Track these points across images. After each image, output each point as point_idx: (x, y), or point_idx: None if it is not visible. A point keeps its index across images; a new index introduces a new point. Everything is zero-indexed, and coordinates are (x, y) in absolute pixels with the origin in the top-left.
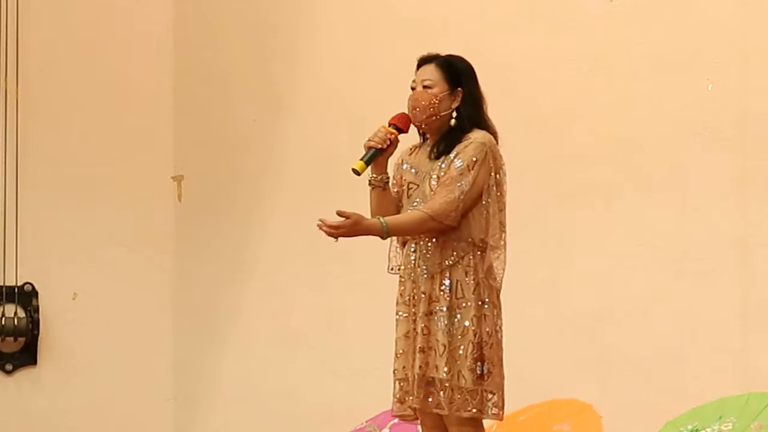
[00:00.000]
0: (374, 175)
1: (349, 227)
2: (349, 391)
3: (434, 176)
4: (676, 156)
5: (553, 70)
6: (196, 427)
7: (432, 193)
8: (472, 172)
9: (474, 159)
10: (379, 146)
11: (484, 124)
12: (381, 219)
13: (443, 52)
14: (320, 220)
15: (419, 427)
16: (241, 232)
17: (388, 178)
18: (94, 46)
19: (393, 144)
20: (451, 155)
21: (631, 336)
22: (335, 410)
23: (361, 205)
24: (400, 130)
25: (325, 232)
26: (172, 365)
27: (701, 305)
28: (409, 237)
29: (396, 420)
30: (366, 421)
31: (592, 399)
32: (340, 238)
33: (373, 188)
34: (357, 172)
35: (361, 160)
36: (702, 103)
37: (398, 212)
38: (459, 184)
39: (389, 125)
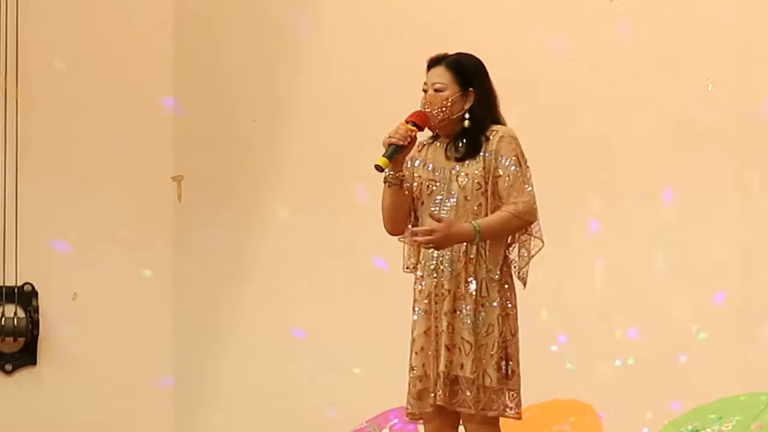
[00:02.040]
0: (391, 173)
1: (443, 229)
2: (349, 391)
3: (463, 174)
4: (676, 156)
5: (553, 70)
6: (196, 427)
7: (461, 190)
8: (523, 165)
9: (518, 151)
10: (401, 143)
11: (498, 121)
12: (473, 223)
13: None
14: (412, 231)
15: (419, 427)
16: (240, 232)
17: (403, 176)
18: (94, 46)
19: (412, 141)
20: (488, 155)
21: (631, 335)
22: (335, 410)
23: (361, 205)
24: (419, 128)
25: (420, 241)
26: (172, 365)
27: (701, 305)
28: None
29: (395, 420)
30: (366, 421)
31: (592, 399)
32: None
33: (389, 186)
34: (380, 168)
35: (383, 156)
36: (702, 103)
37: (410, 210)
38: (523, 179)
39: (407, 122)
